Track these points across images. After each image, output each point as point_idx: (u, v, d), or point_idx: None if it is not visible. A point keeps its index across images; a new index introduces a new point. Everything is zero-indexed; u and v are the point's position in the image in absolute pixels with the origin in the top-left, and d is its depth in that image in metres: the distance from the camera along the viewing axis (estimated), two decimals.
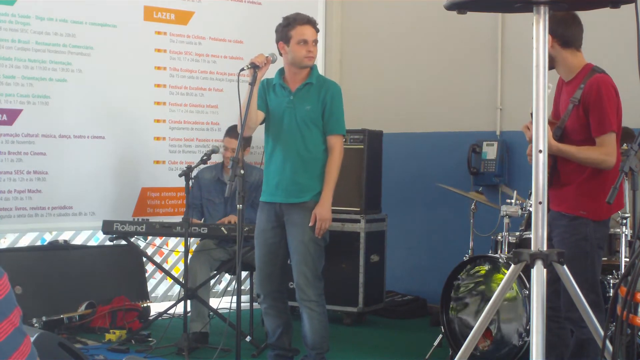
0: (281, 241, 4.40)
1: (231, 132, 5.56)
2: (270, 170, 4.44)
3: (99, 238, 6.45)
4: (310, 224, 4.30)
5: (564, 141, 3.70)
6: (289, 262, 4.45)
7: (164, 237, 6.51)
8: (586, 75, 3.71)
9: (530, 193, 2.83)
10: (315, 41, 4.41)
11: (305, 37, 4.36)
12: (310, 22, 4.41)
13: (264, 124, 4.51)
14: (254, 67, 4.22)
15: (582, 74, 3.75)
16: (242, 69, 4.22)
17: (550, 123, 3.72)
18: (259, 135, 4.59)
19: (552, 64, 3.72)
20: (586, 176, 3.71)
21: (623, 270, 3.87)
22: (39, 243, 6.19)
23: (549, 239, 3.73)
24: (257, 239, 4.46)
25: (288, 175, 4.35)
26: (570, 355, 3.80)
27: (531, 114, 2.75)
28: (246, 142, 5.39)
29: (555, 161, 3.71)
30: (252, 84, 4.21)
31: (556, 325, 3.76)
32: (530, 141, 3.82)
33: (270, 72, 4.44)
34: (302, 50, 4.36)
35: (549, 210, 3.64)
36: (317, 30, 4.44)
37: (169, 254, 6.71)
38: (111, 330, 5.42)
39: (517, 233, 4.82)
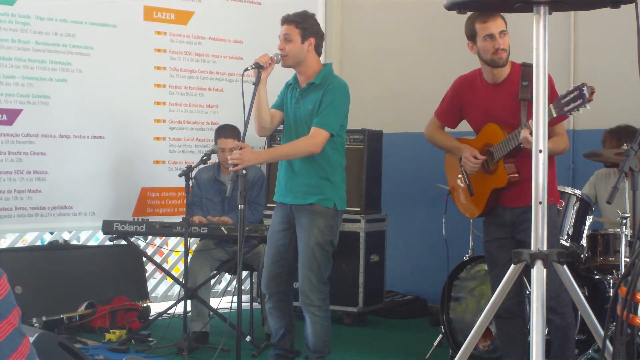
0: (290, 244, 4.37)
1: (224, 132, 5.55)
2: (280, 170, 4.42)
3: (99, 238, 6.45)
4: (233, 154, 4.15)
5: None
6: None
7: (164, 237, 6.51)
8: (525, 73, 3.80)
9: None
10: (285, 36, 4.26)
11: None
12: (287, 20, 4.31)
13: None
14: (258, 67, 4.20)
15: (516, 72, 3.86)
16: (246, 69, 4.20)
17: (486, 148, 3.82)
18: (255, 136, 4.57)
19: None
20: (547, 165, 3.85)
21: (623, 270, 3.87)
22: (39, 243, 6.19)
23: (519, 240, 3.81)
24: (269, 239, 4.45)
25: (295, 176, 4.31)
26: (559, 346, 3.85)
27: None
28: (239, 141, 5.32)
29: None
30: (255, 84, 4.20)
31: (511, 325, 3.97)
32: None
33: (279, 73, 4.42)
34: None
35: (517, 208, 3.78)
36: (295, 25, 4.26)
37: (169, 254, 6.71)
38: (111, 330, 5.42)
39: None
